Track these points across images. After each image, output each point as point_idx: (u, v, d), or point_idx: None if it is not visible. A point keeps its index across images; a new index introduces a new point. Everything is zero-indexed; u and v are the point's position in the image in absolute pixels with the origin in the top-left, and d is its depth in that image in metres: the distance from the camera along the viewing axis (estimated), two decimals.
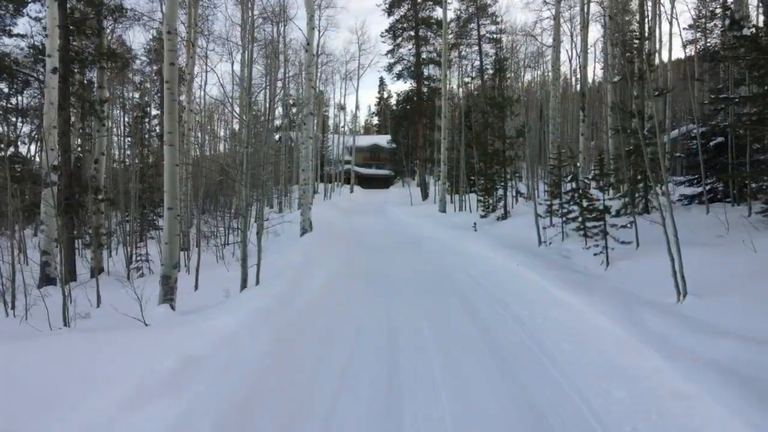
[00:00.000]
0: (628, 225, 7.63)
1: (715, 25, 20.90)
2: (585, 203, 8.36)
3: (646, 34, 11.50)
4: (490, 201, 14.57)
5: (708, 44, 20.18)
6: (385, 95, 58.35)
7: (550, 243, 10.06)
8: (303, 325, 5.54)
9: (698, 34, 21.77)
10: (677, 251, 5.72)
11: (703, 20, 21.12)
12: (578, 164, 9.54)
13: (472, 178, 23.59)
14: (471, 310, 6.26)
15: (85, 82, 12.66)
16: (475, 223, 13.46)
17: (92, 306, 8.24)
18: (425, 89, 32.54)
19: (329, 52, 35.80)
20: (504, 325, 5.61)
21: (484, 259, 9.47)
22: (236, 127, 33.99)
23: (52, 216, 10.43)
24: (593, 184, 9.80)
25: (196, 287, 9.23)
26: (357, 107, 55.82)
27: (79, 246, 15.16)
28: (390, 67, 32.91)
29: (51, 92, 10.49)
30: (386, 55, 32.93)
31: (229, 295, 7.73)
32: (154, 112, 21.84)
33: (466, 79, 32.82)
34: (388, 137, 49.38)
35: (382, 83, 58.21)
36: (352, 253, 11.51)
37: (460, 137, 20.96)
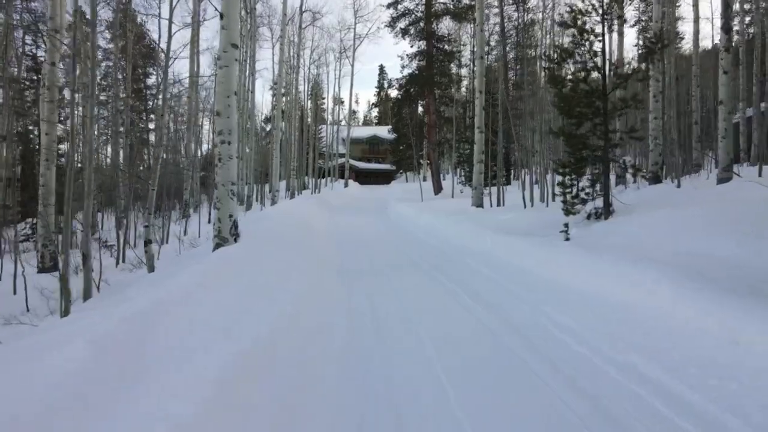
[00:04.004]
0: None
1: None
2: None
3: None
4: (581, 187, 7.97)
5: None
6: (385, 85, 53.44)
7: None
8: None
9: None
10: None
11: None
12: None
13: (494, 168, 17.29)
14: None
15: None
16: (566, 225, 7.00)
17: None
18: (437, 53, 25.75)
19: (316, 10, 28.57)
20: None
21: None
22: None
23: None
24: None
25: None
26: (352, 87, 49.31)
27: None
28: (393, 23, 25.86)
29: None
30: (388, 7, 26.01)
31: None
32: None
33: (485, 48, 26.64)
34: (389, 127, 43.75)
35: (381, 71, 56.74)
36: (305, 308, 4.84)
37: (489, 102, 14.42)
